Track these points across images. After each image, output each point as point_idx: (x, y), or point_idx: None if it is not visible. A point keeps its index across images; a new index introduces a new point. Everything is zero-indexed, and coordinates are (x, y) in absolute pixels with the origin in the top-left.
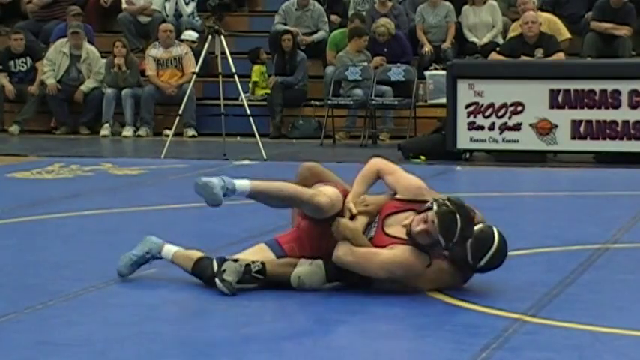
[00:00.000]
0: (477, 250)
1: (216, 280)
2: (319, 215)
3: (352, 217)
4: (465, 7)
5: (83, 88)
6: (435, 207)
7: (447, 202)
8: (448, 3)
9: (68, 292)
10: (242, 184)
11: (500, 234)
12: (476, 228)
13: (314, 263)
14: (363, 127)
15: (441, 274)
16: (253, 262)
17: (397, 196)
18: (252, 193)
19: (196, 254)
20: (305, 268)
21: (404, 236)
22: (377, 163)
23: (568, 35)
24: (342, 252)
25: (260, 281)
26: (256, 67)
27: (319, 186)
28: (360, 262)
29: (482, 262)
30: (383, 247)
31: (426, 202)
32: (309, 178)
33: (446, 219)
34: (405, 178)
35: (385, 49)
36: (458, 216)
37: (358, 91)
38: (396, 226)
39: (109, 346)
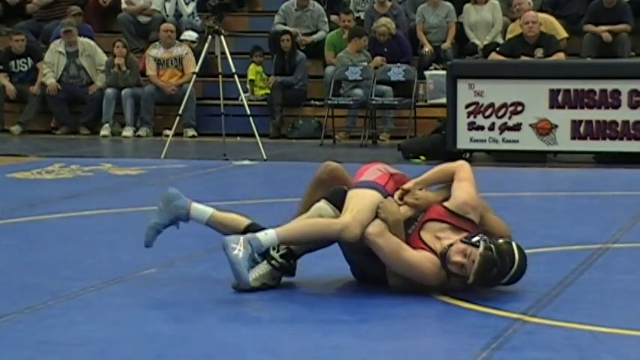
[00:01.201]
0: (498, 275)
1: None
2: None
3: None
4: (467, 6)
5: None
6: (481, 247)
7: (492, 247)
8: (449, 3)
9: (68, 292)
10: (267, 238)
11: (519, 250)
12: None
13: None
14: (363, 127)
15: (451, 283)
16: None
17: (445, 203)
18: (282, 241)
19: (244, 221)
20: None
21: (435, 248)
22: (460, 167)
23: (565, 34)
24: (376, 231)
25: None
26: (252, 66)
27: (359, 193)
28: (386, 248)
29: (502, 282)
30: (413, 248)
31: (467, 219)
32: (327, 181)
33: (486, 266)
34: (460, 189)
35: (385, 49)
36: (497, 266)
37: (358, 91)
38: (430, 234)
39: (109, 346)
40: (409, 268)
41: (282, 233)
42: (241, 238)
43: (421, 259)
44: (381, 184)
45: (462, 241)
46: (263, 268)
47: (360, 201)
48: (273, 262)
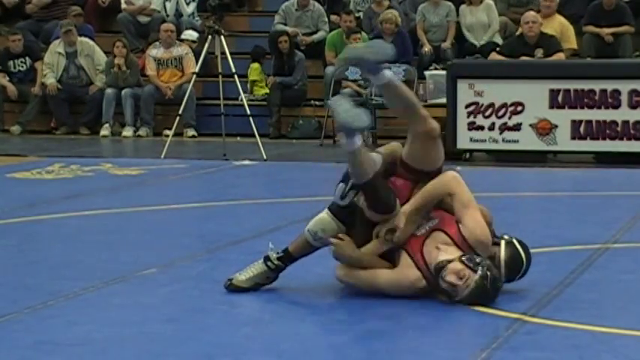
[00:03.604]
0: (486, 300)
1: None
2: (425, 138)
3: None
4: (462, 7)
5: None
6: (478, 274)
7: (489, 275)
8: (449, 3)
9: (68, 292)
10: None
11: (523, 247)
12: (504, 252)
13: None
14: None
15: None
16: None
17: (461, 228)
18: (387, 85)
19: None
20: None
21: (429, 259)
22: (456, 184)
23: (574, 45)
24: (342, 273)
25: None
26: (255, 65)
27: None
28: (360, 282)
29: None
30: (411, 250)
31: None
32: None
33: (479, 292)
34: (474, 220)
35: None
36: (489, 293)
37: (348, 90)
38: (433, 244)
39: (109, 346)
40: (387, 290)
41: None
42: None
43: (398, 280)
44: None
45: (461, 261)
46: (258, 267)
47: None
48: (269, 263)
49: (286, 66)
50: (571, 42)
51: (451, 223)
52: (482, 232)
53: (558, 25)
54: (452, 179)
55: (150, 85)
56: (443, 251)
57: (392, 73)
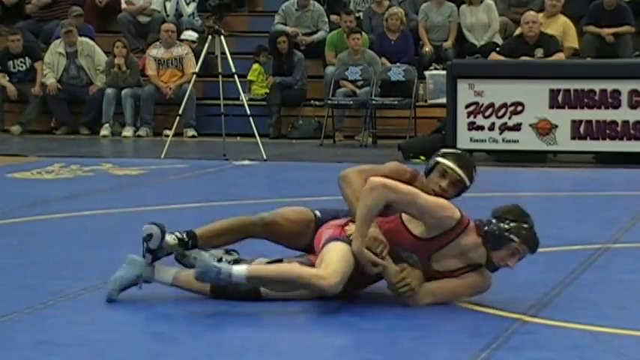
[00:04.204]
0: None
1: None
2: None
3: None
4: (463, 7)
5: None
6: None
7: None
8: (451, 3)
9: (68, 292)
10: (238, 273)
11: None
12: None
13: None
14: (362, 127)
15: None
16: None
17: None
18: (250, 279)
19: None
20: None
21: (460, 265)
22: (380, 187)
23: (576, 45)
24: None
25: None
26: (255, 65)
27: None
28: (402, 197)
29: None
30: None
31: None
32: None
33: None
34: (427, 209)
35: (392, 42)
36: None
37: (343, 90)
38: (443, 261)
39: (109, 346)
40: (427, 211)
41: (253, 272)
42: (215, 261)
43: (435, 202)
44: (338, 235)
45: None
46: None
47: (331, 255)
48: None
49: (285, 66)
50: (573, 41)
51: (401, 233)
52: (433, 214)
53: (561, 25)
54: (378, 185)
55: (150, 85)
56: (449, 259)
57: (243, 268)
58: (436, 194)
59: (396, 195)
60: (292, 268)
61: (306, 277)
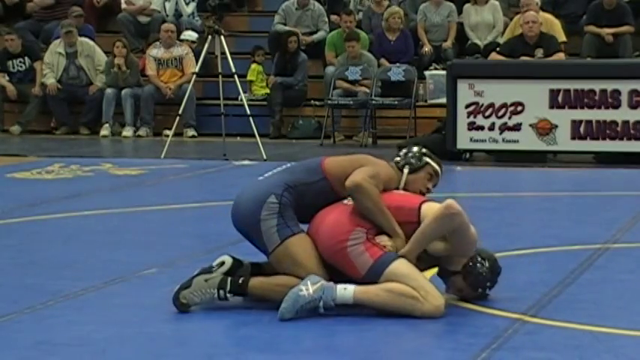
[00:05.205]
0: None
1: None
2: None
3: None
4: (467, 6)
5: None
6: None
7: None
8: (450, 3)
9: (68, 292)
10: (344, 295)
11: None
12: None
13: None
14: (362, 127)
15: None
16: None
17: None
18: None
19: None
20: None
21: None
22: (460, 216)
23: (564, 38)
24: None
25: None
26: (254, 65)
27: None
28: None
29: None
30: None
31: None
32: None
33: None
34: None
35: (392, 42)
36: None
37: (338, 91)
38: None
39: (109, 346)
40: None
41: (359, 296)
42: (321, 282)
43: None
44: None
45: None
46: (206, 293)
47: (414, 276)
48: (221, 292)
49: (289, 65)
50: (560, 35)
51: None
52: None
53: (544, 22)
54: (458, 217)
55: (150, 85)
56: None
57: (350, 289)
58: (420, 193)
59: (467, 224)
60: (400, 296)
61: (417, 310)
